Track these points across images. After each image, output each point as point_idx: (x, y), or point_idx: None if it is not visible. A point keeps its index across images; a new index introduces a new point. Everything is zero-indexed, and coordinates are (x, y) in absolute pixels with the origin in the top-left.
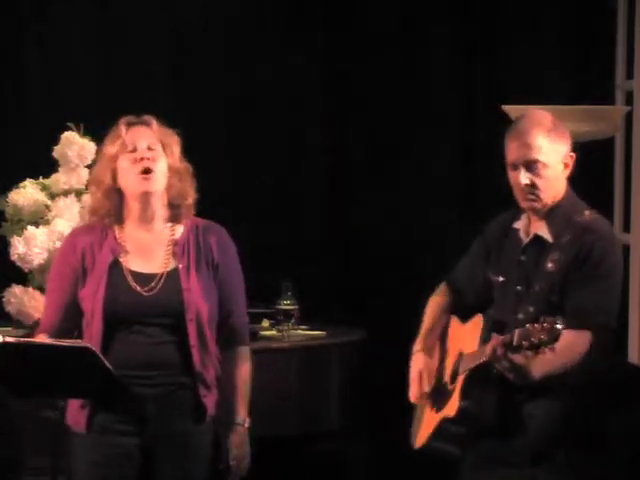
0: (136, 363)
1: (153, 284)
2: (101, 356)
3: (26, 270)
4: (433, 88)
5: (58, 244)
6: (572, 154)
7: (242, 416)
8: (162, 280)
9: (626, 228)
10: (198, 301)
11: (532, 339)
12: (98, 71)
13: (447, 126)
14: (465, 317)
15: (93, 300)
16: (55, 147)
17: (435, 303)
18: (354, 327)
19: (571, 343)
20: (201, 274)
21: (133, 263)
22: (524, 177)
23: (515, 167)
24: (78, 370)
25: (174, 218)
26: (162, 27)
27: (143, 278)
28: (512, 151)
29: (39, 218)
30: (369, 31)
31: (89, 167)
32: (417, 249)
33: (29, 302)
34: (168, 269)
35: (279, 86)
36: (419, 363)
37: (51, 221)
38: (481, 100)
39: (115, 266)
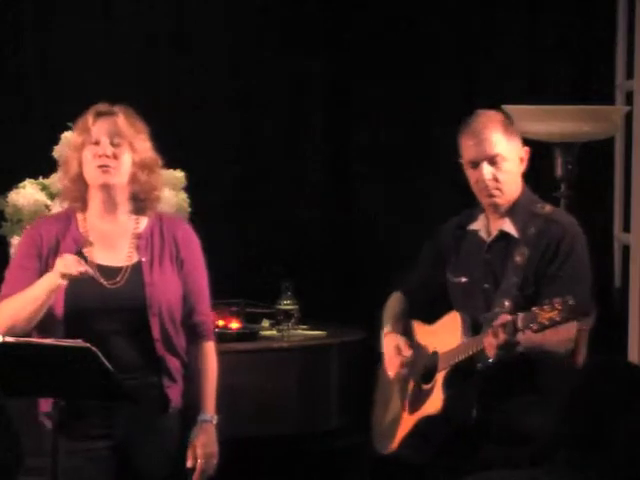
0: None
1: (118, 278)
2: (101, 356)
3: None
4: (433, 88)
5: None
6: (526, 148)
7: (210, 413)
8: (127, 274)
9: (626, 228)
10: (161, 296)
11: (541, 320)
12: (99, 71)
13: (447, 126)
14: (423, 318)
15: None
16: (55, 147)
17: (392, 309)
18: (354, 327)
19: (560, 333)
20: (164, 268)
21: (97, 256)
22: (487, 172)
23: (476, 164)
24: (78, 370)
25: (138, 210)
26: (163, 29)
27: (108, 271)
28: (471, 149)
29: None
30: (369, 31)
31: None
32: (417, 249)
33: None
34: (132, 262)
35: (280, 88)
36: (393, 340)
37: None
38: (481, 100)
39: (79, 257)
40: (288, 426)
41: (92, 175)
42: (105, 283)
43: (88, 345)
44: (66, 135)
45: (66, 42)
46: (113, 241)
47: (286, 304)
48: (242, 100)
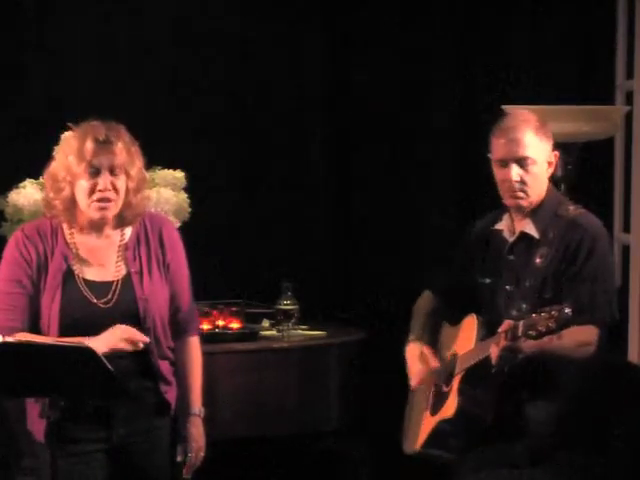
0: None
1: (110, 295)
2: (101, 356)
3: None
4: (433, 88)
5: None
6: (556, 153)
7: (197, 406)
8: (117, 289)
9: (626, 228)
10: (153, 308)
11: (539, 328)
12: (99, 71)
13: (447, 126)
14: (452, 321)
15: (50, 310)
16: (55, 147)
17: (420, 313)
18: (354, 327)
19: (578, 338)
20: (154, 279)
21: (87, 271)
22: (515, 173)
23: (504, 164)
24: (78, 370)
25: (124, 223)
26: (162, 31)
27: (98, 288)
28: (500, 148)
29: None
30: (369, 31)
31: None
32: (417, 250)
33: None
34: (122, 276)
35: (280, 88)
36: (417, 349)
37: None
38: (481, 100)
39: (69, 276)
40: (288, 426)
41: (89, 209)
42: (98, 302)
43: (88, 345)
44: (66, 135)
45: (67, 42)
46: (101, 255)
47: (286, 304)
48: (243, 99)
